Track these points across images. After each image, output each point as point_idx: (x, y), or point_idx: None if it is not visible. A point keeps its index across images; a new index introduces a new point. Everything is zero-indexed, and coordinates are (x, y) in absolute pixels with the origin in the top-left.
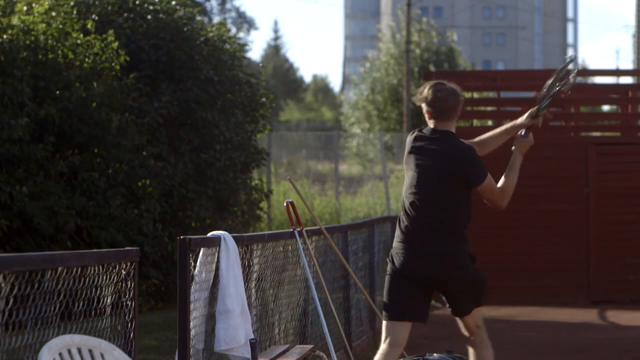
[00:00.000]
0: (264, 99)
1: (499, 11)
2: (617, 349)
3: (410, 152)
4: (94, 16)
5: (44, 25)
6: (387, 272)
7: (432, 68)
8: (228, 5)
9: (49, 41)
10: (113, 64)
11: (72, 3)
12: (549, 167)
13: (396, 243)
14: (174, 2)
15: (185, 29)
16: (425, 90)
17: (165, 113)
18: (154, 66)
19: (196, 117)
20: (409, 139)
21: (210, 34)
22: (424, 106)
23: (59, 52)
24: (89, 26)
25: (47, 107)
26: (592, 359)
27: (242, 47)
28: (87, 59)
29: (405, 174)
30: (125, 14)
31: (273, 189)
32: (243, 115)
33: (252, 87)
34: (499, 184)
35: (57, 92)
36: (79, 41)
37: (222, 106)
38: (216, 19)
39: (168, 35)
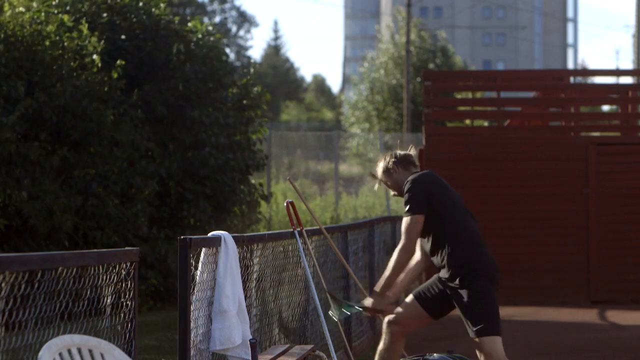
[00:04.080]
0: (256, 98)
1: (499, 11)
2: (617, 349)
3: (441, 189)
4: (79, 15)
5: (36, 16)
6: (486, 290)
7: (431, 66)
8: (228, 5)
9: (41, 39)
10: (93, 57)
11: (54, 2)
12: (549, 167)
13: (482, 257)
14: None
15: (162, 26)
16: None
17: (140, 104)
18: (137, 67)
19: (184, 116)
20: (432, 180)
21: (190, 33)
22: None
23: (45, 47)
24: (65, 20)
25: (38, 98)
26: (592, 359)
27: (212, 34)
28: (69, 54)
29: (439, 204)
30: (105, 14)
31: (272, 189)
32: (235, 113)
33: (238, 84)
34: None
35: (50, 87)
36: (63, 39)
37: (210, 103)
38: (217, 19)
39: (148, 35)
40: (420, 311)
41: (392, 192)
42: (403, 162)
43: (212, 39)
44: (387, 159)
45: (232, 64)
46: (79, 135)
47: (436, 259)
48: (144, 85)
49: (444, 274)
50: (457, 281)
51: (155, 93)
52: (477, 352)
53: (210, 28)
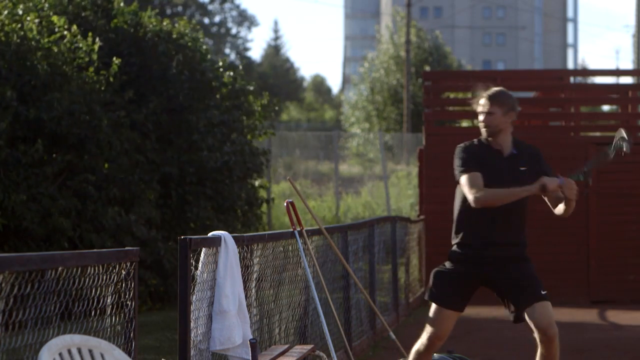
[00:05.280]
0: (257, 103)
1: (499, 11)
2: (617, 349)
3: None
4: (70, 17)
5: (29, 18)
6: None
7: (427, 68)
8: (228, 5)
9: (29, 42)
10: (89, 58)
11: (47, 5)
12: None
13: None
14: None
15: (147, 37)
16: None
17: (154, 119)
18: (134, 83)
19: (180, 120)
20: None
21: (174, 35)
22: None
23: (35, 49)
24: (54, 20)
25: (34, 110)
26: (592, 359)
27: (197, 31)
28: (63, 55)
29: None
30: (96, 12)
31: (272, 189)
32: (228, 115)
33: (226, 83)
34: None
35: (44, 94)
36: (51, 39)
37: (204, 106)
38: (217, 19)
39: (133, 49)
40: (450, 314)
41: (482, 116)
42: (512, 119)
43: (200, 38)
44: (516, 103)
45: (232, 63)
46: (76, 140)
47: (508, 232)
48: (147, 101)
49: (513, 248)
50: (522, 255)
51: (160, 104)
52: (539, 316)
53: (200, 36)
